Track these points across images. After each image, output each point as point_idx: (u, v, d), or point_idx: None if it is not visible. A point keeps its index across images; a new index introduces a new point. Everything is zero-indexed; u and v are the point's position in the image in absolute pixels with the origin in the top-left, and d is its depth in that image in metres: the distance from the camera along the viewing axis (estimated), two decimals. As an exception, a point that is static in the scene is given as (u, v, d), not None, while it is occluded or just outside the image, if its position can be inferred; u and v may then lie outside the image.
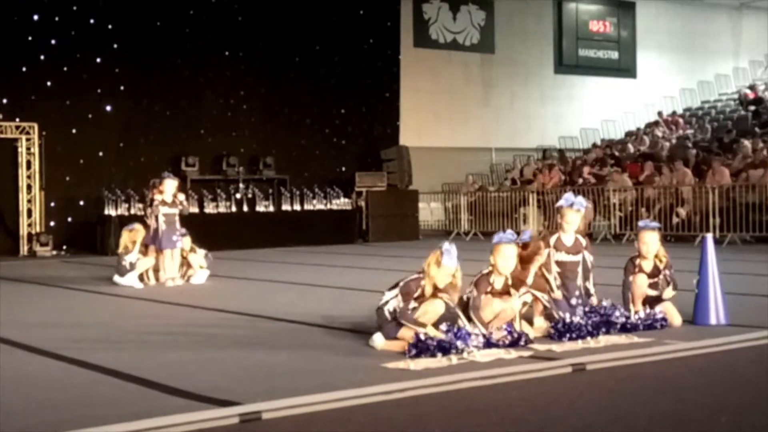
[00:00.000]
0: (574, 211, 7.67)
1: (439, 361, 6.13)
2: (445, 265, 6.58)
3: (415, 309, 6.58)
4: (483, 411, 4.94)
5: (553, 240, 7.65)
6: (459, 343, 6.29)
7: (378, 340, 6.72)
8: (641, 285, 7.69)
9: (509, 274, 6.99)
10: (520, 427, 4.61)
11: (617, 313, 7.25)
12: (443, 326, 6.48)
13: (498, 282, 6.97)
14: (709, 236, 7.87)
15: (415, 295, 6.63)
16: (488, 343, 6.51)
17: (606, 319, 7.15)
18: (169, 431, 4.54)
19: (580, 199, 7.81)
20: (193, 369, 6.23)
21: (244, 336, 7.73)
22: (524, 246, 7.38)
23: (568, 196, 7.80)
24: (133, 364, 6.34)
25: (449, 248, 6.63)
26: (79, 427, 4.54)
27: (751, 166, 19.97)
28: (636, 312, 7.49)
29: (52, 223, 19.83)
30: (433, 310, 6.60)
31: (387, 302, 6.78)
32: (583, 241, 7.72)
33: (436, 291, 6.63)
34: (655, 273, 7.71)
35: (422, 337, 6.36)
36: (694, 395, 5.26)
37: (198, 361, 6.56)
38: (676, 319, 7.64)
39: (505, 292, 6.96)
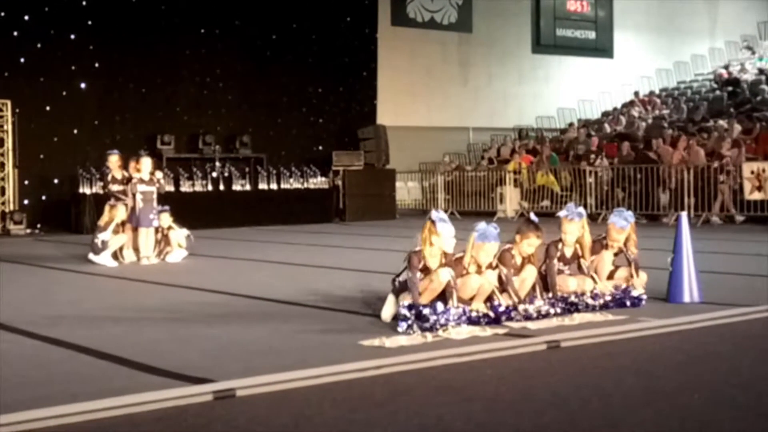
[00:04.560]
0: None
1: (414, 338, 6.15)
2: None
3: (420, 279, 6.67)
4: (458, 388, 4.95)
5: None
6: (441, 320, 6.33)
7: (385, 313, 6.87)
8: (607, 261, 7.77)
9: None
10: (494, 404, 4.63)
11: (585, 303, 7.27)
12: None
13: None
14: (684, 215, 7.91)
15: (420, 266, 6.69)
16: (470, 320, 6.54)
17: (576, 308, 7.19)
18: (143, 408, 4.52)
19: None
20: (167, 347, 6.21)
21: (219, 314, 7.71)
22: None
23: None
24: (107, 342, 6.31)
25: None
26: (54, 404, 4.51)
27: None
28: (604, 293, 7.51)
29: (26, 202, 19.68)
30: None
31: (400, 273, 6.88)
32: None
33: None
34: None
35: (403, 310, 6.41)
36: (667, 372, 5.30)
37: (172, 338, 6.54)
38: (641, 276, 7.75)
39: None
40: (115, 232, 12.31)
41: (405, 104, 29.30)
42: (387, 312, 6.90)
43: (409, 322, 6.37)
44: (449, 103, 30.97)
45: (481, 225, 6.98)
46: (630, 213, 7.92)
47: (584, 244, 7.68)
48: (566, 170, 22.08)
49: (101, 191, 12.55)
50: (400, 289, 6.83)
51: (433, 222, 6.74)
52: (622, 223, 7.76)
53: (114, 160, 12.90)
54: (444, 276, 6.64)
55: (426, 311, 6.38)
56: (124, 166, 12.86)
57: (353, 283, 9.41)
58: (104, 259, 12.13)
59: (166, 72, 21.35)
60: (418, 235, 6.83)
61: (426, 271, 6.73)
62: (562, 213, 7.70)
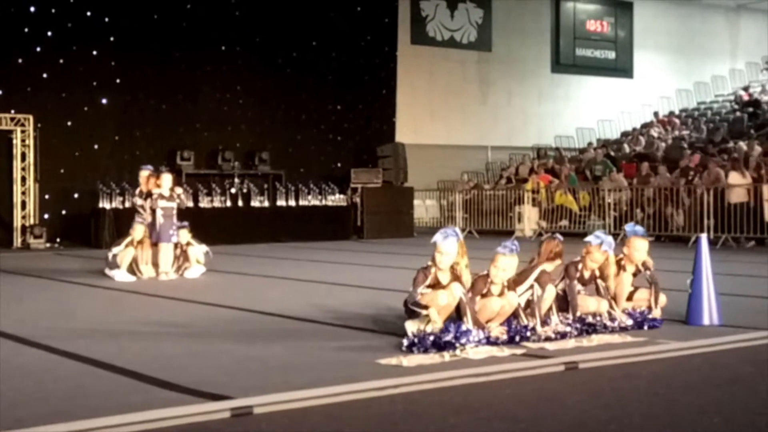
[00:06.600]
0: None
1: (432, 357, 6.13)
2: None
3: (422, 295, 6.61)
4: (475, 408, 4.93)
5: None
6: (462, 340, 6.29)
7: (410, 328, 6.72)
8: (626, 283, 7.73)
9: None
10: (512, 425, 4.61)
11: (603, 324, 7.22)
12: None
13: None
14: (704, 237, 7.86)
15: (426, 283, 6.65)
16: (488, 341, 6.50)
17: (593, 329, 7.14)
18: (160, 424, 4.52)
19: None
20: (185, 362, 6.22)
21: (236, 330, 7.72)
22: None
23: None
24: (125, 357, 6.33)
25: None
26: (71, 419, 4.53)
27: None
28: (623, 312, 7.48)
29: (46, 216, 19.79)
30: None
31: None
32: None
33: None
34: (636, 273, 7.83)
35: (418, 333, 6.37)
36: (686, 395, 5.26)
37: (190, 354, 6.55)
38: (660, 299, 7.75)
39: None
40: (126, 246, 12.35)
41: (424, 122, 29.35)
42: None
43: (423, 347, 6.32)
44: (468, 122, 30.98)
45: (507, 242, 6.93)
46: (641, 227, 7.98)
47: (609, 274, 7.61)
48: (585, 190, 22.02)
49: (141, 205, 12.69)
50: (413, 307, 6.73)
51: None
52: (639, 231, 7.83)
53: (143, 175, 12.97)
54: (456, 291, 6.60)
55: (444, 336, 6.34)
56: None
57: (370, 300, 9.40)
58: (120, 274, 12.18)
59: (186, 88, 21.47)
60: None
61: (438, 286, 6.67)
62: (594, 240, 7.50)
